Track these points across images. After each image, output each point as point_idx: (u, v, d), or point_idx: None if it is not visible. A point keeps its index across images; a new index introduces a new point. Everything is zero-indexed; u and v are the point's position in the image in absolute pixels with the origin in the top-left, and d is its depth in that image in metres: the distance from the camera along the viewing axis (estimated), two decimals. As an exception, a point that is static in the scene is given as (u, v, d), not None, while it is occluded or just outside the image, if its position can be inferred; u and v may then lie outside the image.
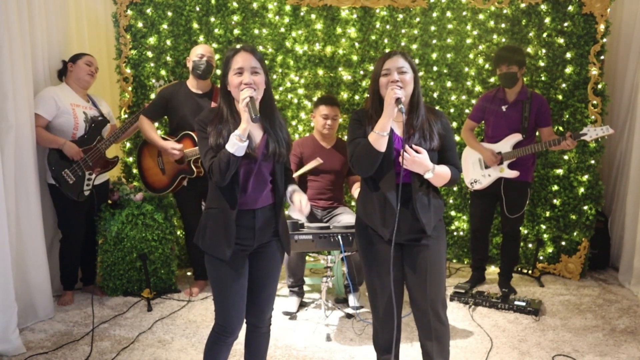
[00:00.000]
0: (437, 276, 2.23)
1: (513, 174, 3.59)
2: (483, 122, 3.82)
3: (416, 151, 2.12)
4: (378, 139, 2.10)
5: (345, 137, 4.17)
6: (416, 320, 2.29)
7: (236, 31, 4.10)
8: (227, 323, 2.13)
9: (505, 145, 3.61)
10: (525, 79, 3.98)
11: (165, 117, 3.74)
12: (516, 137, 3.59)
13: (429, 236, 2.20)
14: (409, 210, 2.17)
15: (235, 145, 1.95)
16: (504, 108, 3.63)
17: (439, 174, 2.16)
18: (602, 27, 3.87)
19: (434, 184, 2.21)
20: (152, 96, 4.02)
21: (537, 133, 3.75)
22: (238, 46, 2.13)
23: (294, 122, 4.24)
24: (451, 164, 2.24)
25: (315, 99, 4.15)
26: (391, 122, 2.11)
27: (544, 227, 4.19)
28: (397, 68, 2.14)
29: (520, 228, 3.86)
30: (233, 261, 2.09)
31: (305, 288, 3.76)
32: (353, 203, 4.31)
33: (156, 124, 3.80)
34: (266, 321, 2.28)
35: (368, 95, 2.31)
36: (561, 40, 3.99)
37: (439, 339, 2.25)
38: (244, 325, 2.27)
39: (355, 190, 3.65)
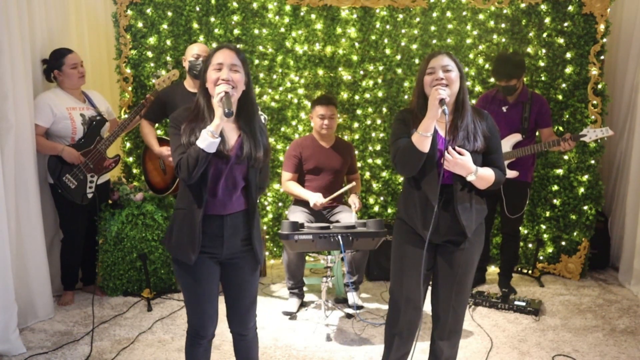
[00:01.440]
0: (466, 282, 2.24)
1: (512, 174, 3.59)
2: None
3: (459, 153, 2.08)
4: (421, 140, 2.06)
5: (345, 137, 4.22)
6: (434, 318, 2.30)
7: (236, 31, 4.10)
8: (198, 326, 2.10)
9: (505, 145, 3.60)
10: (525, 79, 3.97)
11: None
12: (516, 137, 3.59)
13: (468, 239, 2.18)
14: (449, 211, 2.15)
15: (207, 140, 1.90)
16: (504, 109, 3.64)
17: (481, 177, 2.11)
18: (602, 27, 3.87)
19: (477, 186, 2.17)
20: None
21: (537, 134, 3.75)
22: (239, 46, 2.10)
23: (294, 122, 4.24)
24: (496, 166, 2.20)
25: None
26: (435, 122, 2.08)
27: (544, 227, 4.19)
28: (442, 66, 2.10)
29: (520, 228, 3.87)
30: (200, 266, 2.03)
31: (305, 288, 3.76)
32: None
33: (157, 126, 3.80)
34: (250, 329, 2.23)
35: (412, 96, 2.28)
36: (561, 40, 3.99)
37: (451, 340, 2.27)
38: (230, 335, 2.25)
39: (351, 201, 3.61)
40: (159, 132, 3.95)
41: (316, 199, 3.45)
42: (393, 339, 2.33)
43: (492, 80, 4.17)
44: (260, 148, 2.05)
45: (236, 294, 2.15)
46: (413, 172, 2.14)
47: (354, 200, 3.59)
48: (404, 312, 2.27)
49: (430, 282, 2.36)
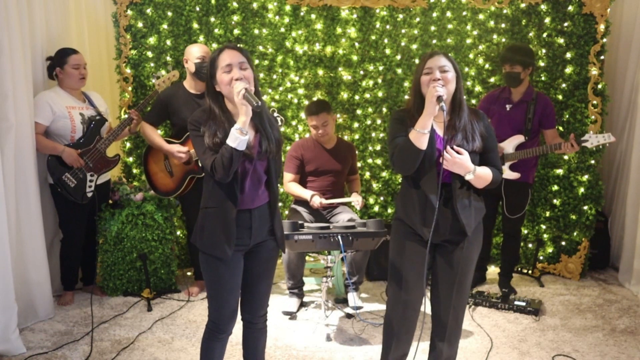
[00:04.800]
0: (466, 282, 2.24)
1: (514, 175, 3.58)
2: None
3: (458, 152, 2.10)
4: (419, 137, 2.08)
5: (345, 137, 4.22)
6: (434, 319, 2.30)
7: (236, 31, 4.10)
8: (220, 320, 2.17)
9: (508, 146, 3.60)
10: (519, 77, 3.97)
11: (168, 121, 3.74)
12: (519, 139, 3.58)
13: (467, 238, 2.19)
14: (449, 210, 2.16)
15: (237, 139, 1.96)
16: (507, 107, 3.63)
17: (479, 176, 2.14)
18: (602, 27, 3.86)
19: (475, 185, 2.18)
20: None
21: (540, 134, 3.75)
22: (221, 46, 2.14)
23: (294, 122, 4.24)
24: (493, 165, 2.22)
25: (315, 99, 4.14)
26: (432, 120, 2.09)
27: (544, 227, 4.19)
28: (439, 67, 2.13)
29: (521, 228, 3.86)
30: (230, 260, 2.11)
31: (305, 288, 3.76)
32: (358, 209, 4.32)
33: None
34: (261, 317, 2.30)
35: (409, 97, 2.30)
36: (561, 40, 3.99)
37: (451, 341, 2.27)
38: (240, 323, 2.29)
39: (354, 200, 3.61)
40: (159, 132, 3.94)
41: (314, 198, 3.46)
42: (391, 340, 2.34)
43: (492, 80, 4.17)
44: (273, 140, 2.13)
45: (254, 280, 2.23)
46: (411, 170, 2.16)
47: (357, 198, 3.58)
48: (401, 314, 2.27)
49: (430, 282, 2.36)
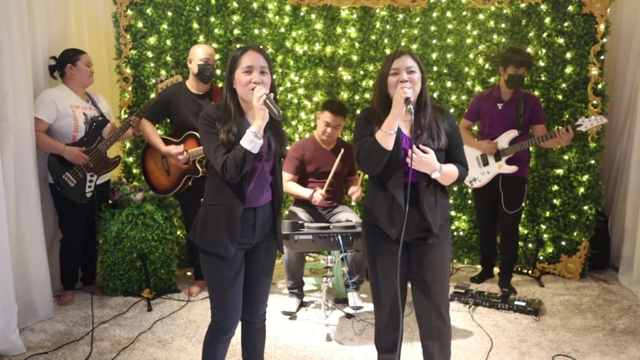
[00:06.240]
0: (442, 276, 2.23)
1: (511, 169, 3.64)
2: (478, 122, 3.87)
3: (424, 151, 2.11)
4: (385, 137, 2.09)
5: (345, 138, 4.22)
6: (418, 319, 2.29)
7: (236, 31, 4.10)
8: (224, 321, 2.15)
9: (502, 141, 3.65)
10: (525, 79, 3.99)
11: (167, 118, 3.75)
12: (512, 134, 3.65)
13: (435, 235, 2.20)
14: (416, 209, 2.17)
15: (253, 142, 1.97)
16: (499, 106, 3.69)
17: (446, 173, 2.16)
18: (602, 27, 3.87)
19: (442, 183, 2.20)
20: (152, 96, 4.01)
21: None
22: (240, 45, 2.14)
23: (294, 122, 4.24)
24: (458, 161, 2.24)
25: (315, 99, 4.15)
26: (399, 120, 2.10)
27: (544, 227, 4.19)
28: (406, 67, 2.13)
29: (520, 228, 3.87)
30: (232, 259, 2.10)
31: (305, 288, 3.76)
32: (353, 203, 4.32)
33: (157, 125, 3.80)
34: (260, 317, 2.30)
35: (374, 95, 2.30)
36: (561, 40, 3.99)
37: (440, 339, 2.25)
38: (240, 323, 2.29)
39: (351, 190, 3.64)
40: (159, 132, 3.95)
41: (315, 193, 3.46)
42: (382, 344, 2.36)
43: (492, 80, 4.17)
44: (283, 142, 2.17)
45: (253, 279, 2.23)
46: (377, 169, 2.17)
47: (353, 190, 3.57)
48: (387, 317, 2.28)
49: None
